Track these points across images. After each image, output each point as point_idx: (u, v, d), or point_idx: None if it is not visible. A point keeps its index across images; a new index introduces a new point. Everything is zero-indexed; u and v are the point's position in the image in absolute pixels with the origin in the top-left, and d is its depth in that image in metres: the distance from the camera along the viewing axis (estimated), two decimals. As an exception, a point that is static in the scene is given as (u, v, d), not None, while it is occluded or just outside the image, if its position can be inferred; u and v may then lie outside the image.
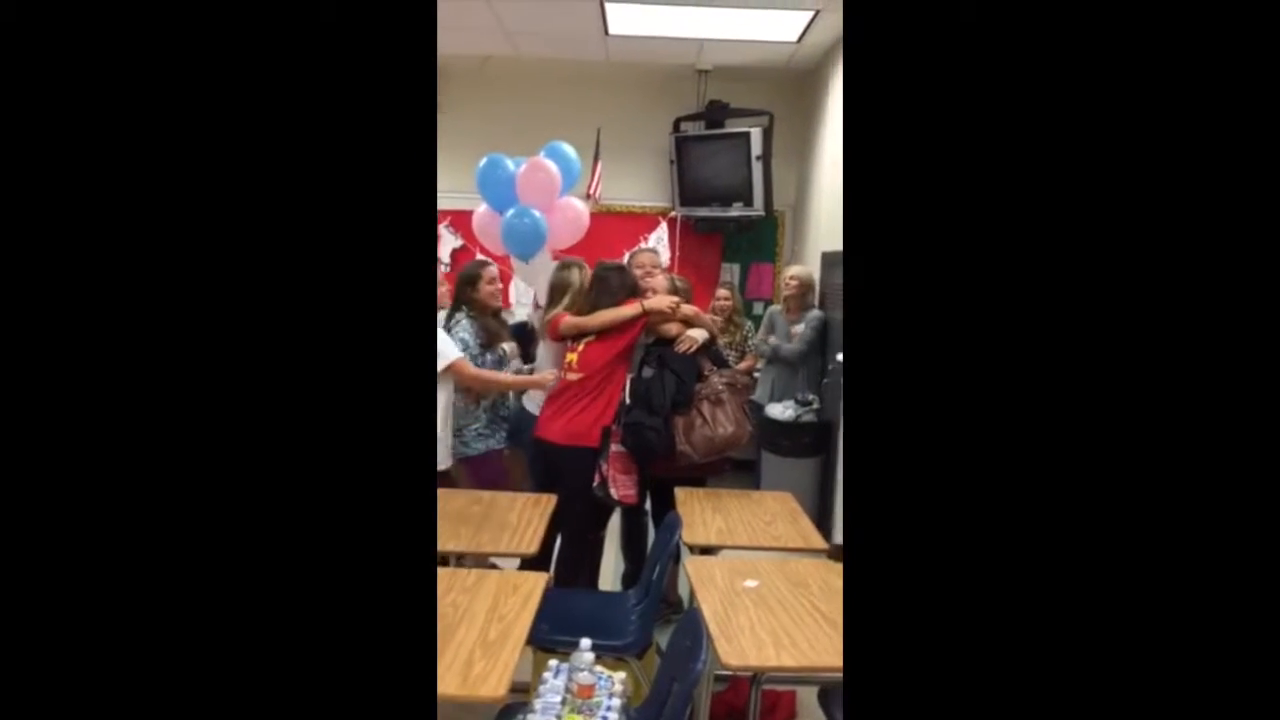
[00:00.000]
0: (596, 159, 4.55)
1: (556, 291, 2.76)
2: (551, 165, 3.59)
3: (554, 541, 2.61)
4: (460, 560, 2.13)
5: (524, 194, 3.57)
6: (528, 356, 3.09)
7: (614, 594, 2.64)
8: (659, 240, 5.01)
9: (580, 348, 2.66)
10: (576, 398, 2.61)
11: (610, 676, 1.62)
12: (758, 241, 5.04)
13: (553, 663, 1.65)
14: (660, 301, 2.71)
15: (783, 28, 4.03)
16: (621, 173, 4.89)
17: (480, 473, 2.73)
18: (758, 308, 4.94)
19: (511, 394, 2.93)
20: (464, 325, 2.77)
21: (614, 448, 2.61)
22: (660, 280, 2.92)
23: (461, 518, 2.22)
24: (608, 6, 3.84)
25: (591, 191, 4.49)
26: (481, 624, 1.55)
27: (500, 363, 2.82)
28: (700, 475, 2.73)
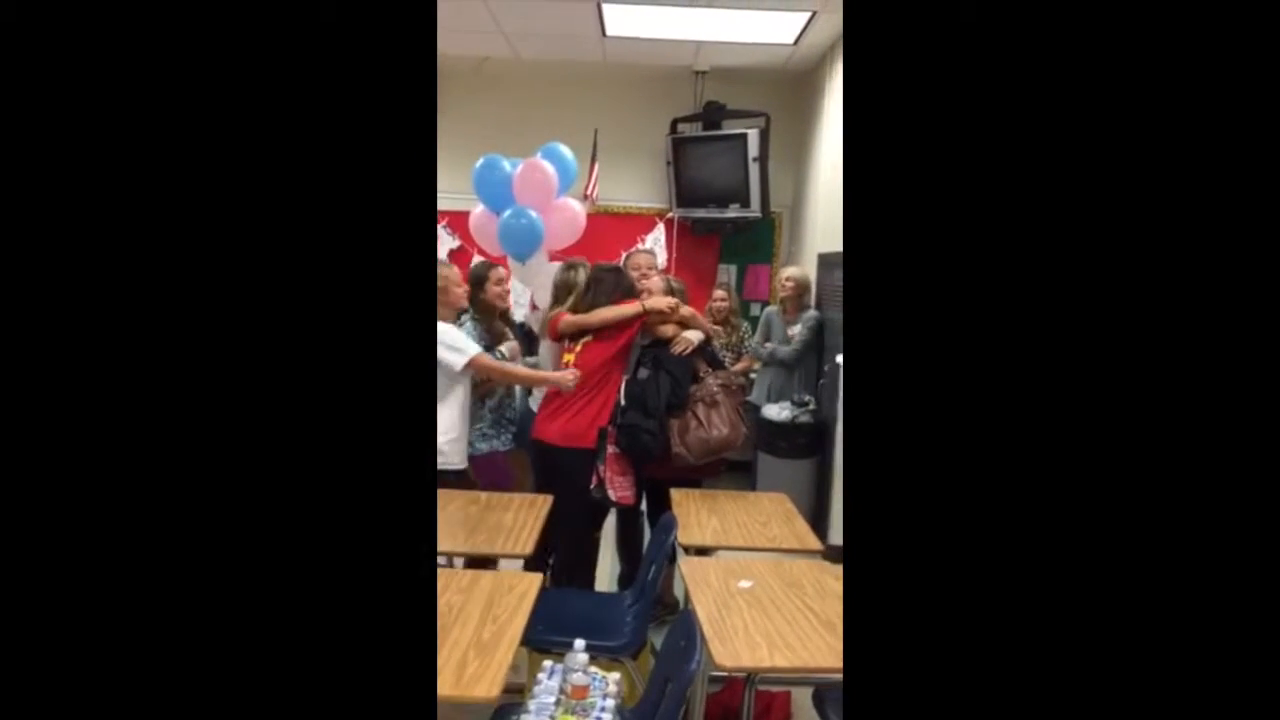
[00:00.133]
0: (593, 160, 4.55)
1: (560, 291, 2.76)
2: (548, 166, 3.59)
3: (550, 542, 2.61)
4: (471, 562, 2.13)
5: (521, 195, 3.57)
6: (530, 355, 3.10)
7: (609, 595, 2.64)
8: (656, 241, 5.01)
9: (577, 348, 2.66)
10: (573, 398, 2.61)
11: (604, 677, 1.62)
12: (754, 242, 5.04)
13: (547, 663, 1.66)
14: (660, 301, 2.72)
15: (780, 29, 4.03)
16: (618, 174, 4.89)
17: (484, 473, 2.73)
18: (754, 309, 4.95)
19: (518, 395, 2.93)
20: (468, 326, 2.77)
21: (610, 449, 2.61)
22: (656, 281, 2.93)
23: (457, 518, 2.22)
24: (605, 8, 3.85)
25: (588, 192, 4.49)
26: (476, 624, 1.55)
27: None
28: (695, 477, 2.73)
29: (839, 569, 2.03)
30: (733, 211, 4.62)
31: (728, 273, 5.09)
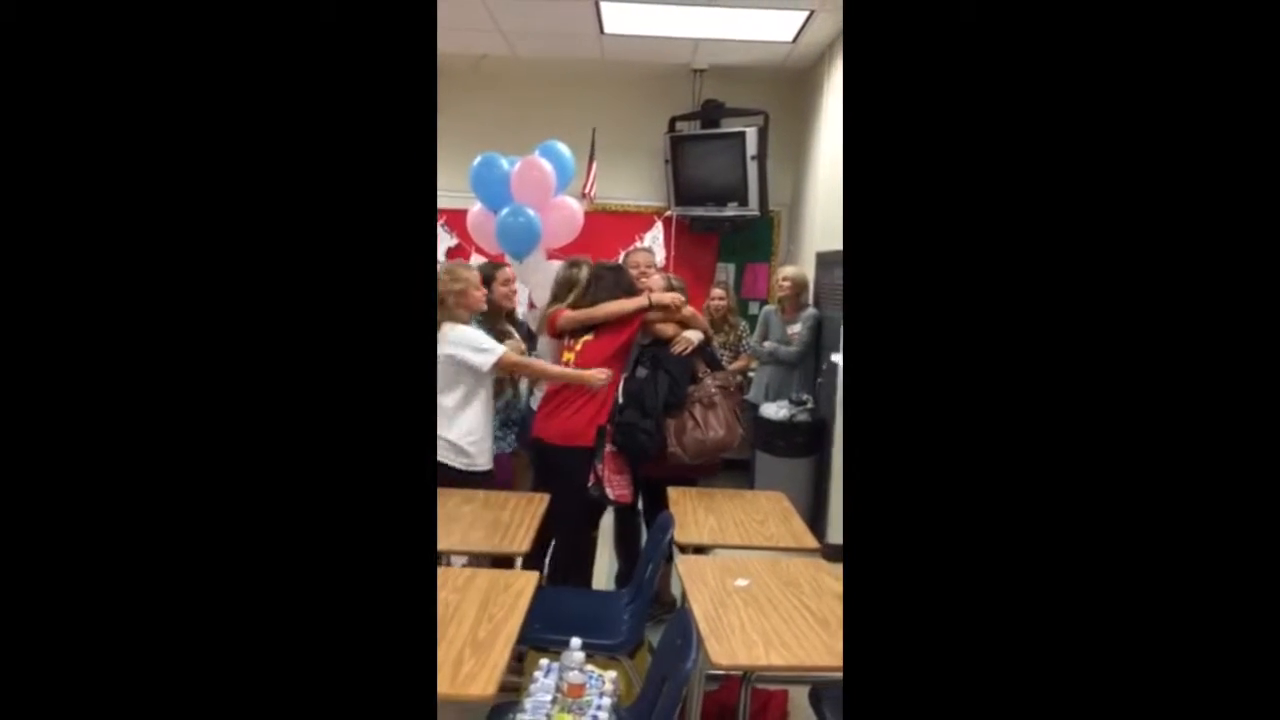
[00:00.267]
0: (591, 158, 4.55)
1: (562, 288, 2.75)
2: (546, 164, 3.59)
3: (547, 541, 2.61)
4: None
5: (519, 193, 3.57)
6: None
7: (606, 593, 2.64)
8: (654, 240, 5.01)
9: (578, 346, 2.66)
10: (572, 397, 2.61)
11: (601, 675, 1.62)
12: (753, 241, 5.04)
13: (544, 662, 1.65)
14: (666, 297, 2.72)
15: (778, 27, 4.03)
16: (616, 172, 4.89)
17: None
18: (753, 307, 4.95)
19: (524, 397, 2.93)
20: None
21: (608, 447, 2.61)
22: (656, 280, 2.93)
23: (452, 517, 2.22)
24: (603, 5, 3.84)
25: (586, 190, 4.49)
26: (471, 623, 1.55)
27: None
28: (691, 476, 2.73)
29: (836, 568, 2.03)
30: (731, 210, 4.62)
31: (726, 271, 5.09)
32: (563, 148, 3.71)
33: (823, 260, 4.12)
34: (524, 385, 2.95)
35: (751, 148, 4.45)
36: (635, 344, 2.74)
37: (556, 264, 3.06)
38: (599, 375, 2.59)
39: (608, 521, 2.90)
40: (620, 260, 3.20)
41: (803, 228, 4.73)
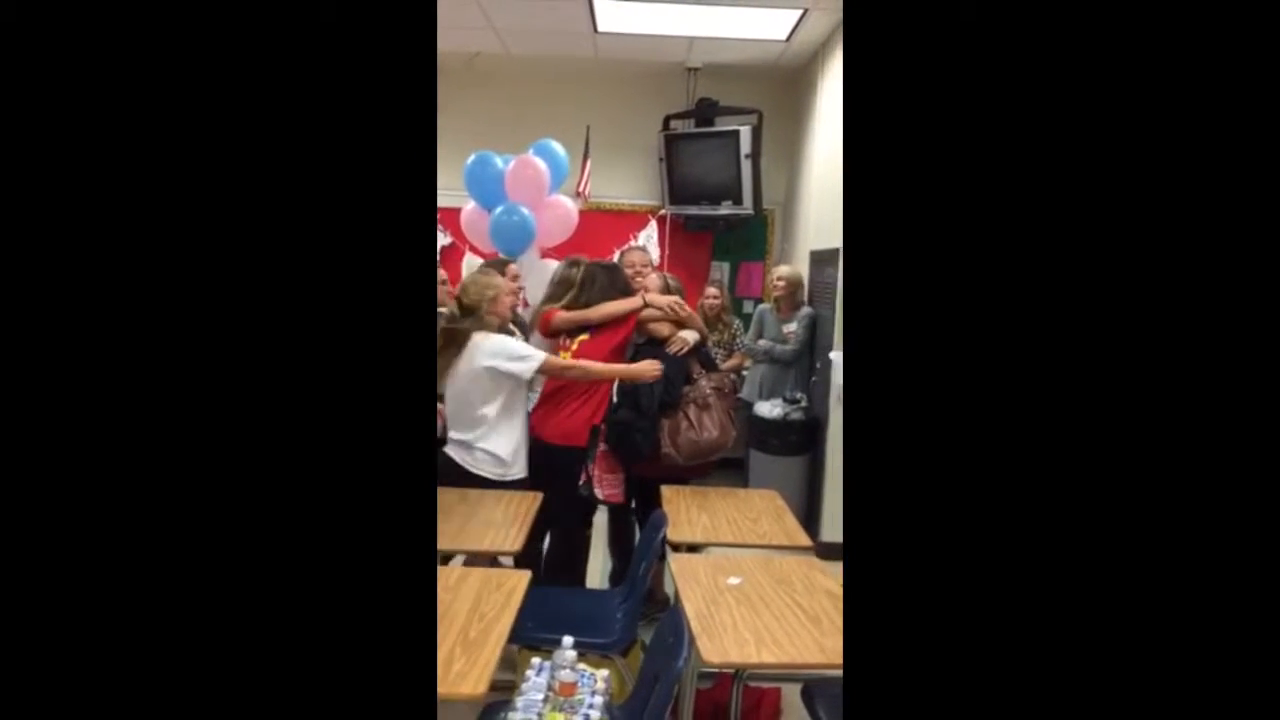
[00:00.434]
0: (586, 156, 4.54)
1: (560, 287, 2.74)
2: (540, 162, 3.59)
3: (540, 539, 2.61)
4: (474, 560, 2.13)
5: (513, 191, 3.57)
6: None
7: (599, 592, 2.64)
8: (648, 238, 5.00)
9: (574, 346, 2.66)
10: (569, 397, 2.61)
11: (593, 674, 1.62)
12: (747, 240, 5.04)
13: (535, 660, 1.66)
14: (662, 299, 2.72)
15: (772, 26, 4.03)
16: (611, 170, 4.88)
17: None
18: (747, 305, 4.95)
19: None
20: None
21: (601, 446, 2.61)
22: (653, 279, 2.92)
23: (446, 515, 2.21)
24: (597, 4, 3.84)
25: (581, 189, 4.48)
26: (463, 622, 1.55)
27: None
28: (683, 476, 2.73)
29: (828, 565, 2.04)
30: (725, 208, 4.62)
31: (720, 270, 5.09)
32: (557, 146, 3.71)
33: (816, 258, 4.13)
34: None
35: (746, 146, 4.45)
36: (630, 343, 2.74)
37: (551, 263, 3.06)
38: (651, 368, 2.57)
39: (601, 520, 2.90)
40: (615, 259, 3.20)
41: (797, 226, 4.74)
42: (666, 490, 2.57)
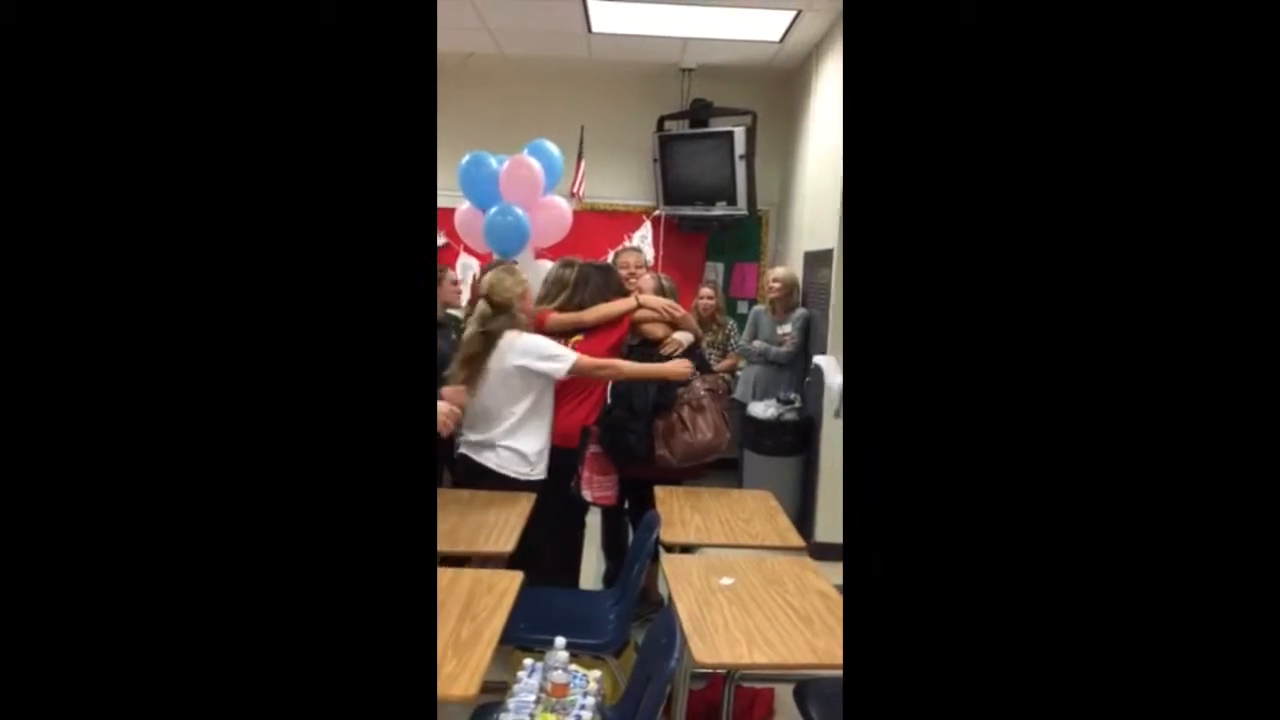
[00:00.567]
0: (580, 157, 4.54)
1: (555, 288, 2.74)
2: (535, 163, 3.58)
3: (532, 540, 2.60)
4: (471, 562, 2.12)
5: (507, 191, 3.56)
6: None
7: (592, 593, 2.64)
8: (643, 239, 5.01)
9: (569, 347, 2.65)
10: (564, 399, 2.60)
11: (585, 675, 1.62)
12: (742, 240, 5.05)
13: (528, 661, 1.65)
14: (655, 300, 2.72)
15: (765, 27, 4.04)
16: (605, 171, 4.89)
17: None
18: (742, 307, 4.96)
19: None
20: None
21: (592, 448, 2.61)
22: (647, 280, 2.92)
23: (439, 516, 2.21)
24: (590, 4, 3.84)
25: (575, 189, 4.49)
26: (454, 624, 1.54)
27: None
28: (676, 478, 2.73)
29: (820, 565, 2.04)
30: (719, 209, 4.63)
31: (715, 270, 5.10)
32: (552, 147, 3.71)
33: (810, 260, 4.14)
34: None
35: (740, 147, 4.46)
36: (625, 344, 2.74)
37: (545, 264, 3.05)
38: (681, 367, 2.57)
39: (595, 521, 2.89)
40: (609, 260, 3.20)
41: (791, 227, 4.75)
42: (660, 491, 2.57)
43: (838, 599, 1.80)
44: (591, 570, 2.98)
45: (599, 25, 4.13)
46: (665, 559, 2.07)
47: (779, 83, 4.84)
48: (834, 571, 2.00)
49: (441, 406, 2.27)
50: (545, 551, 2.62)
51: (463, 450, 2.48)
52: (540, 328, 2.70)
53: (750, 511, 2.48)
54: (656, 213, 4.96)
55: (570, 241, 3.85)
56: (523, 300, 2.46)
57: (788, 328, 3.95)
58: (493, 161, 3.63)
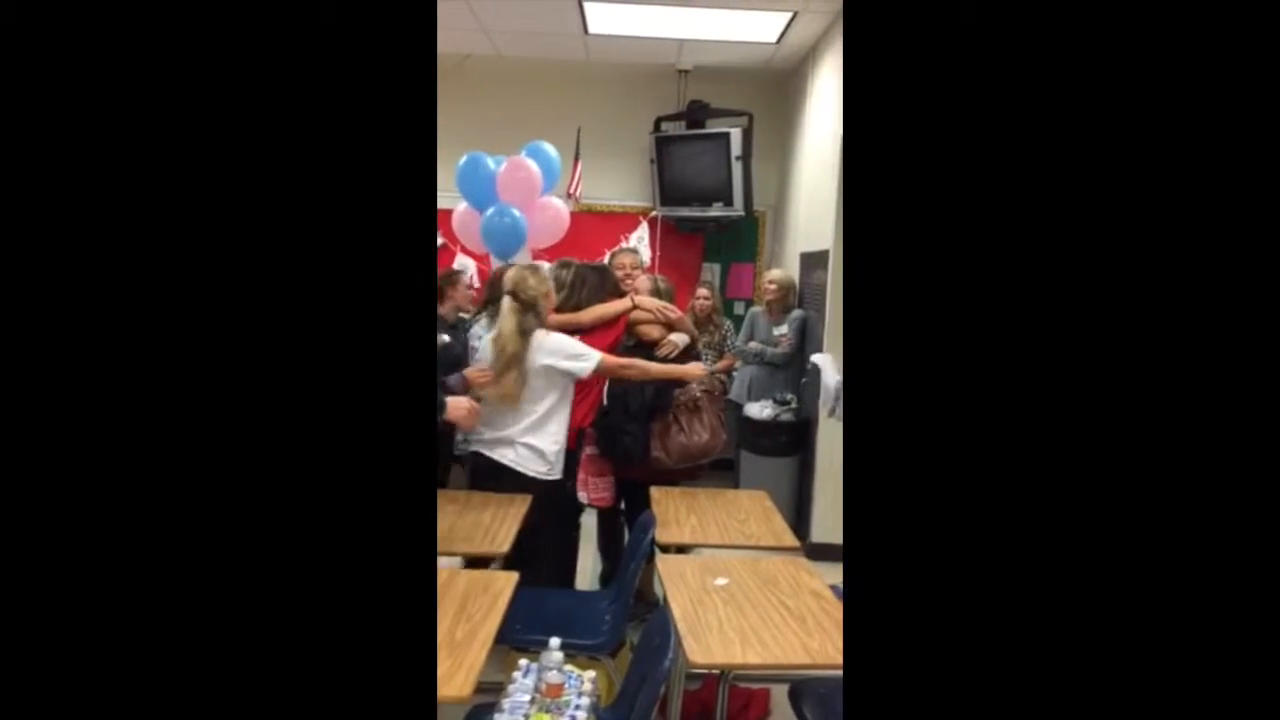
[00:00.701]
0: (577, 158, 4.55)
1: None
2: (532, 164, 3.59)
3: (528, 541, 2.61)
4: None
5: (504, 193, 3.57)
6: None
7: (587, 593, 2.65)
8: (640, 240, 5.01)
9: None
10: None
11: (580, 675, 1.62)
12: (738, 241, 5.06)
13: (523, 662, 1.66)
14: (650, 301, 2.72)
15: (762, 28, 4.04)
16: (602, 172, 4.89)
17: None
18: (738, 307, 4.97)
19: None
20: (484, 324, 2.76)
21: (588, 450, 2.61)
22: (643, 281, 2.92)
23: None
24: (586, 6, 3.84)
25: (572, 190, 4.49)
26: (449, 624, 1.55)
27: None
28: (671, 480, 2.74)
29: (814, 565, 2.05)
30: (716, 210, 4.64)
31: (711, 271, 5.10)
32: (549, 148, 3.72)
33: (806, 261, 4.14)
34: None
35: (736, 148, 4.47)
36: (621, 346, 2.74)
37: (542, 265, 3.05)
38: (698, 368, 2.60)
39: (591, 522, 2.90)
40: (606, 261, 3.21)
41: (787, 228, 4.75)
42: (655, 491, 2.58)
43: (832, 599, 1.80)
44: (587, 571, 2.99)
45: (595, 27, 4.13)
46: (660, 559, 2.07)
47: (775, 84, 4.85)
48: (830, 571, 2.01)
49: (463, 403, 2.27)
50: (541, 552, 2.63)
51: (475, 448, 2.47)
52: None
53: (746, 512, 2.49)
54: (653, 214, 4.97)
55: (567, 242, 3.86)
56: (546, 300, 2.46)
57: (784, 329, 3.96)
58: (490, 162, 3.63)
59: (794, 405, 3.85)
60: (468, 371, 2.43)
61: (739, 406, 3.92)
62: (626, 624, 2.19)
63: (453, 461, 2.81)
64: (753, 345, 4.02)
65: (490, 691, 1.59)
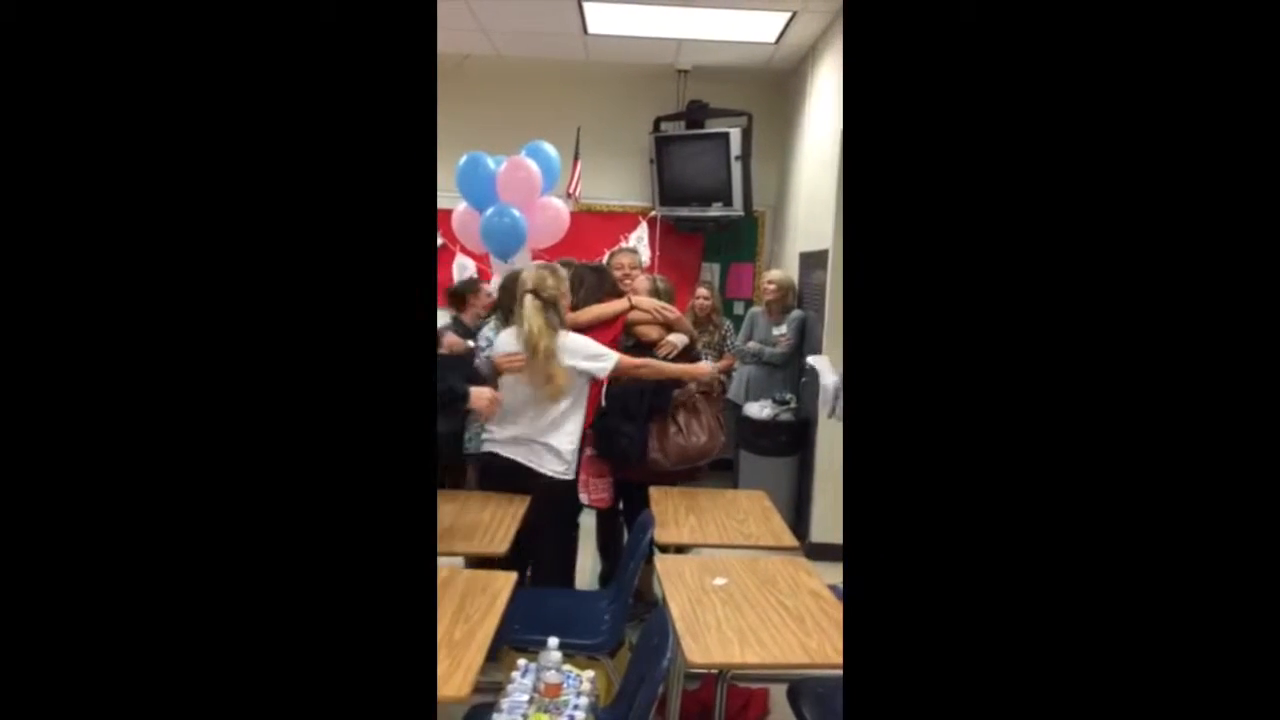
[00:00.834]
0: (576, 158, 4.55)
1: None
2: (532, 164, 3.59)
3: (527, 541, 2.61)
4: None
5: (504, 192, 3.57)
6: None
7: (586, 593, 2.65)
8: (639, 240, 5.01)
9: None
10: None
11: (578, 675, 1.62)
12: (738, 241, 5.05)
13: (521, 662, 1.66)
14: (647, 302, 2.72)
15: (761, 28, 4.04)
16: (601, 172, 4.89)
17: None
18: (738, 307, 4.97)
19: None
20: (493, 327, 2.76)
21: (587, 451, 2.61)
22: (642, 281, 2.92)
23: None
24: (586, 6, 3.84)
25: (571, 190, 4.49)
26: (448, 624, 1.55)
27: None
28: (670, 481, 2.73)
29: (813, 565, 2.05)
30: (715, 210, 4.63)
31: (711, 271, 5.10)
32: (549, 147, 3.71)
33: (805, 261, 4.14)
34: None
35: (735, 148, 4.47)
36: (619, 346, 2.74)
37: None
38: (708, 367, 2.63)
39: (590, 522, 2.90)
40: (605, 261, 3.20)
41: (786, 228, 4.75)
42: (655, 492, 2.58)
43: (831, 599, 1.81)
44: (586, 570, 2.99)
45: (595, 27, 4.13)
46: (659, 559, 2.07)
47: (775, 84, 4.85)
48: (829, 571, 2.01)
49: (485, 393, 2.29)
50: (540, 552, 2.63)
51: (490, 448, 2.47)
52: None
53: (745, 512, 2.49)
54: (653, 214, 4.97)
55: (567, 242, 3.86)
56: (564, 299, 2.46)
57: (783, 329, 3.96)
58: (490, 163, 3.63)
59: (793, 405, 3.85)
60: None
61: (738, 406, 3.92)
62: (625, 624, 2.19)
63: (463, 461, 2.82)
64: (751, 345, 4.02)
65: (488, 691, 1.59)
